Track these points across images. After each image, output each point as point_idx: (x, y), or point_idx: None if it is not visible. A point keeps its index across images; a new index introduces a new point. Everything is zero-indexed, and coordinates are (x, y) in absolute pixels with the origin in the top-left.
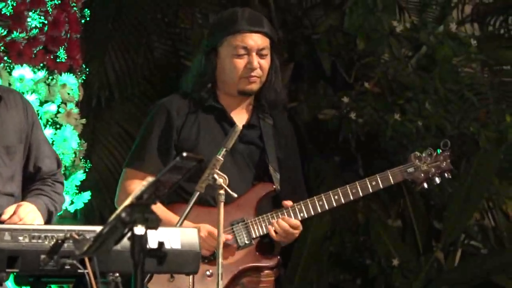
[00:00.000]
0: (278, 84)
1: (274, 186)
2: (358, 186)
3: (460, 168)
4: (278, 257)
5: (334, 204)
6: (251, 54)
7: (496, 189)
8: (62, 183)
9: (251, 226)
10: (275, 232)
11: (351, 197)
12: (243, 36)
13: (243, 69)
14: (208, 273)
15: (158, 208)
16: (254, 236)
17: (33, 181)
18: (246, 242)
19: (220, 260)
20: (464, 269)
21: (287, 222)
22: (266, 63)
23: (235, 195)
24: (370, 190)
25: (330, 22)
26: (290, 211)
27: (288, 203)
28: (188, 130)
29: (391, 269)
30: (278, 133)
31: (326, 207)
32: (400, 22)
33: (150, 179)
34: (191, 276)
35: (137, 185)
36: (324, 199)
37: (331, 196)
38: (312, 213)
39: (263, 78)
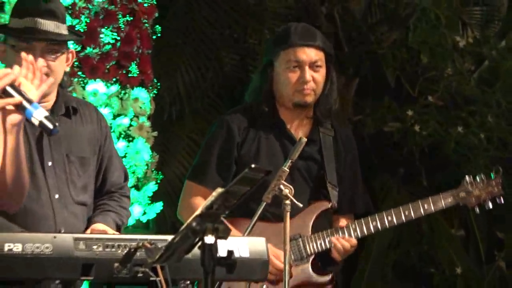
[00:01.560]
0: (334, 96)
1: (330, 204)
2: (410, 208)
3: None
4: (332, 274)
5: (387, 226)
6: (304, 67)
7: None
8: (128, 197)
9: (307, 243)
10: (336, 250)
11: (404, 219)
12: (296, 50)
13: (296, 82)
14: (264, 287)
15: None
16: (309, 253)
17: (101, 191)
18: (302, 258)
19: (287, 267)
20: None
21: (348, 241)
22: (319, 76)
23: (301, 205)
24: (423, 213)
25: (395, 37)
26: (345, 230)
27: (342, 223)
28: (248, 145)
29: (455, 277)
30: (338, 146)
31: (379, 227)
32: (463, 37)
33: (219, 190)
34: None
35: (198, 199)
36: (377, 219)
37: (384, 217)
38: (366, 233)
39: (317, 91)
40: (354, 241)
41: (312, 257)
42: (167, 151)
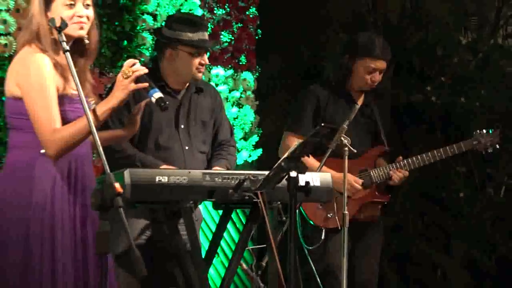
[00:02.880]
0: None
1: (386, 148)
2: (442, 151)
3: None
4: (389, 195)
5: (426, 162)
6: (377, 72)
7: None
8: (234, 146)
9: (372, 174)
10: (394, 179)
11: (435, 159)
12: (377, 60)
13: (368, 81)
14: (330, 215)
15: (310, 159)
16: (374, 180)
17: (215, 143)
18: (369, 184)
19: (345, 192)
20: (508, 200)
21: (403, 173)
22: (381, 77)
23: (355, 151)
24: (450, 154)
25: (419, 37)
26: (398, 164)
27: (399, 158)
28: (328, 108)
29: (459, 199)
30: (379, 107)
31: (421, 163)
32: (464, 37)
33: (300, 140)
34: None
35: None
36: (419, 158)
37: (424, 156)
38: (412, 167)
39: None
40: (406, 173)
41: (375, 183)
42: (265, 114)
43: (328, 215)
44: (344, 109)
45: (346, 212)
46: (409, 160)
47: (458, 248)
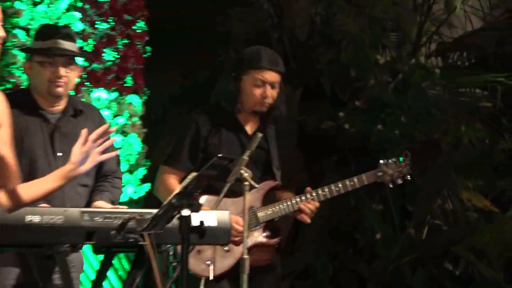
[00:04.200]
0: (282, 106)
1: (277, 182)
2: (340, 185)
3: (427, 165)
4: (279, 237)
5: (329, 196)
6: (266, 86)
7: (453, 181)
8: (120, 178)
9: (258, 212)
10: (305, 212)
11: (339, 192)
12: (264, 72)
13: (259, 97)
14: (226, 248)
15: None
16: (261, 220)
17: (99, 175)
18: (255, 225)
19: (246, 234)
20: (430, 241)
21: (313, 204)
22: (275, 93)
23: (257, 186)
24: (349, 188)
25: (330, 56)
26: (306, 196)
27: (308, 189)
28: (212, 138)
29: (375, 241)
30: (278, 137)
31: (326, 196)
32: (382, 56)
33: (194, 174)
34: (212, 251)
35: (172, 179)
36: (323, 190)
37: (323, 189)
38: (317, 200)
39: (271, 103)
40: (317, 203)
41: (263, 224)
42: (154, 143)
43: (206, 262)
44: (231, 138)
45: (246, 256)
46: (315, 191)
47: None
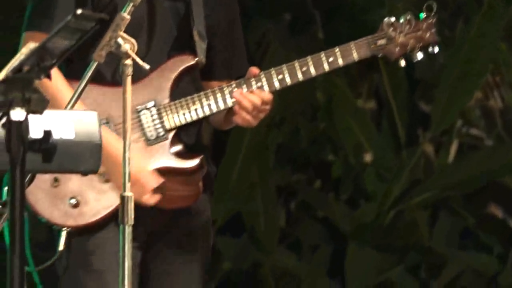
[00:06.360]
0: None
1: (196, 58)
2: (310, 62)
3: (456, 31)
4: (201, 157)
5: (276, 87)
6: None
7: (504, 57)
8: None
9: (164, 113)
10: (240, 108)
11: (300, 78)
12: None
13: None
14: (102, 176)
15: (53, 85)
16: (168, 127)
17: None
18: (158, 134)
19: (127, 157)
20: (462, 167)
21: (260, 96)
22: None
23: (147, 67)
24: (326, 68)
25: None
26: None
27: (253, 70)
28: None
29: (362, 166)
30: None
31: (288, 82)
32: None
33: (32, 45)
34: (81, 181)
35: None
36: (263, 79)
37: (274, 75)
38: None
39: None
40: (267, 95)
41: (173, 133)
42: None
43: (70, 201)
44: None
45: (129, 194)
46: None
47: None
